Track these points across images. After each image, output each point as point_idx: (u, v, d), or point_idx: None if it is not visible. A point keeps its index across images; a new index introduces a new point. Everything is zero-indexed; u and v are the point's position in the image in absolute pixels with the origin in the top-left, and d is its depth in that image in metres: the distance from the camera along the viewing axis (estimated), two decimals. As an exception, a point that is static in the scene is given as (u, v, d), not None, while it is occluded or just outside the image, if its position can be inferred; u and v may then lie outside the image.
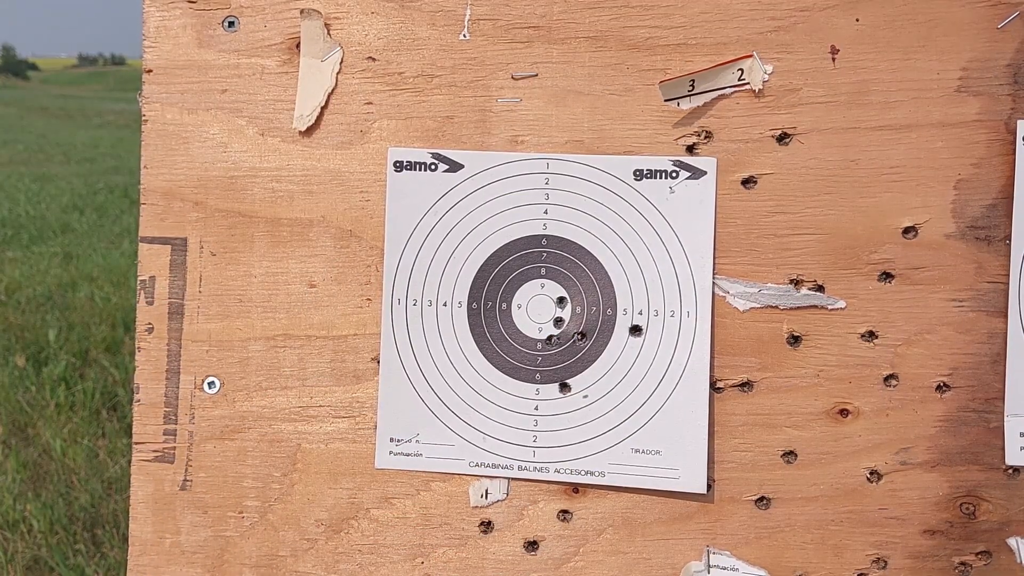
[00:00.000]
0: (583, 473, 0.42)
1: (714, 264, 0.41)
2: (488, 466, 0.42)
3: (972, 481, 0.41)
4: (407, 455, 0.43)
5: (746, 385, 0.41)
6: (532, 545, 0.42)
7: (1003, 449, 0.41)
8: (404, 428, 0.43)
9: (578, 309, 0.42)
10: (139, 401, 0.44)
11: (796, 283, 0.41)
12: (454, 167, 0.43)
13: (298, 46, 0.43)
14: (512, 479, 0.42)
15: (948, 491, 0.41)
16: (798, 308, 0.41)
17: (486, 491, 0.42)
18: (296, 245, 0.44)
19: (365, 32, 0.43)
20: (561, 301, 0.42)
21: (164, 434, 0.44)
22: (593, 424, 0.42)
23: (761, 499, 0.41)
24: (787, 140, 0.41)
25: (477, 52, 0.42)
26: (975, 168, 0.40)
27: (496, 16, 0.42)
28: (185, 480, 0.44)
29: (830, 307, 0.41)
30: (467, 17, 0.42)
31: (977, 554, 0.41)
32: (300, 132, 0.43)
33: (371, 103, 0.43)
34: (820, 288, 0.41)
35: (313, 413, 0.43)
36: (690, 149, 0.41)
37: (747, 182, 0.41)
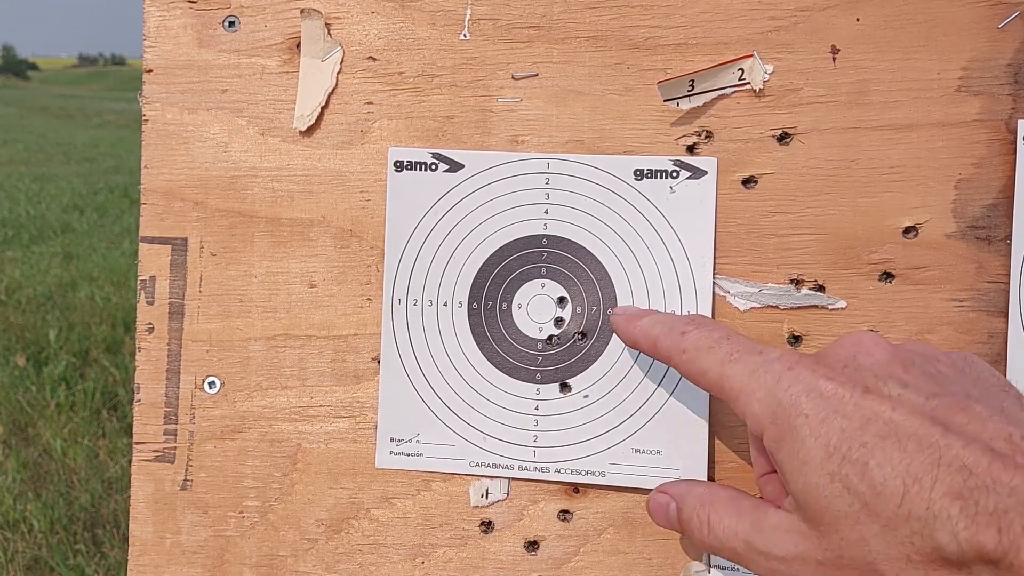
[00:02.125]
0: (583, 473, 0.42)
1: (714, 264, 0.41)
2: (488, 466, 0.42)
3: (972, 481, 0.41)
4: (407, 455, 0.43)
5: (746, 385, 0.41)
6: (532, 545, 0.42)
7: (1003, 449, 0.41)
8: (404, 428, 0.43)
9: (578, 309, 0.42)
10: (139, 401, 0.44)
11: (797, 283, 0.41)
12: (454, 167, 0.43)
13: (298, 46, 0.43)
14: (512, 479, 0.42)
15: (948, 491, 0.41)
16: (799, 308, 0.41)
17: (486, 491, 0.42)
18: (296, 245, 0.44)
19: (365, 32, 0.43)
20: (561, 301, 0.42)
21: (164, 434, 0.44)
22: (593, 424, 0.42)
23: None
24: (787, 140, 0.41)
25: (477, 52, 0.42)
26: (976, 168, 0.40)
27: (496, 16, 0.42)
28: (185, 480, 0.44)
29: (831, 307, 0.41)
30: (467, 17, 0.42)
31: (977, 554, 0.41)
32: (300, 132, 0.43)
33: (371, 103, 0.43)
34: (821, 288, 0.41)
35: (313, 413, 0.43)
36: (690, 149, 0.42)
37: (747, 182, 0.41)
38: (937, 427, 0.29)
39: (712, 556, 0.41)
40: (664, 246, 0.42)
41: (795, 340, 0.41)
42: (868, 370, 0.32)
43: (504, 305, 0.42)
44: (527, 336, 0.42)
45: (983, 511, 0.27)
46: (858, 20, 0.40)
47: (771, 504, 0.34)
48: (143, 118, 0.44)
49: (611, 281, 0.42)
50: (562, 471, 0.42)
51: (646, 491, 0.41)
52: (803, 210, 0.41)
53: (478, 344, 0.43)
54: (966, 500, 0.27)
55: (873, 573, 0.30)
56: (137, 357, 0.44)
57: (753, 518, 0.34)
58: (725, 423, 0.41)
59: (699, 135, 0.41)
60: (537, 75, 0.42)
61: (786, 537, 0.33)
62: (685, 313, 0.41)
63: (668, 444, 0.41)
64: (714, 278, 0.41)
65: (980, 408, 0.30)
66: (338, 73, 0.43)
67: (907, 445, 0.29)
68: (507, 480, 0.42)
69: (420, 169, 0.43)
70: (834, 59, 0.41)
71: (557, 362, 0.42)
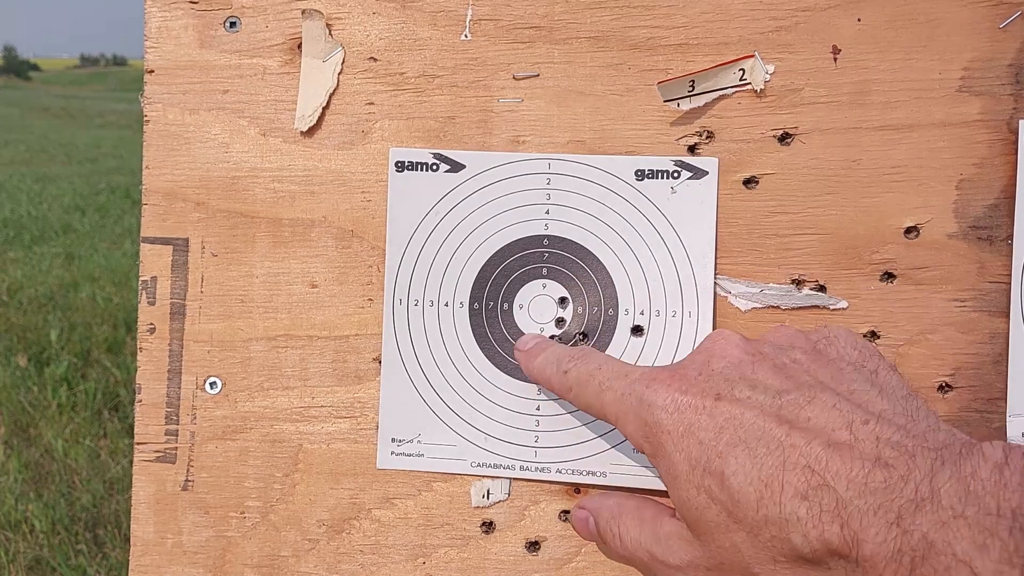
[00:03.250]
0: (584, 473, 0.42)
1: (716, 264, 0.41)
2: (490, 466, 0.42)
3: (974, 481, 0.41)
4: (408, 455, 0.43)
5: (748, 385, 0.41)
6: (534, 545, 0.42)
7: (1005, 449, 0.41)
8: (406, 428, 0.43)
9: (580, 309, 0.42)
10: (141, 401, 0.44)
11: (798, 283, 0.41)
12: (456, 167, 0.43)
13: (299, 46, 0.43)
14: (514, 479, 0.42)
15: (950, 491, 0.41)
16: (800, 308, 0.41)
17: (487, 491, 0.42)
18: (298, 245, 0.44)
19: (367, 32, 0.43)
20: (563, 301, 0.42)
21: (166, 434, 0.44)
22: (595, 424, 0.42)
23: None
24: (789, 140, 0.41)
25: (478, 52, 0.42)
26: (977, 168, 0.40)
27: (497, 16, 0.42)
28: (187, 480, 0.44)
29: (832, 307, 0.41)
30: (468, 17, 0.43)
31: (979, 554, 0.41)
32: (301, 132, 0.43)
33: (372, 103, 0.43)
34: (822, 288, 0.41)
35: (315, 413, 0.43)
36: (692, 149, 0.42)
37: (749, 182, 0.41)
38: (783, 426, 0.30)
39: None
40: (665, 246, 0.42)
41: (796, 340, 0.41)
42: (720, 374, 0.33)
43: (505, 305, 0.42)
44: (528, 336, 0.42)
45: (826, 509, 0.28)
46: (859, 20, 0.40)
47: (668, 512, 0.35)
48: (144, 119, 0.44)
49: (612, 281, 0.42)
50: (563, 471, 0.42)
51: (647, 491, 0.41)
52: (804, 210, 0.41)
53: (479, 344, 0.43)
54: (811, 500, 0.28)
55: None
56: (138, 357, 0.44)
57: (652, 528, 0.35)
58: (726, 423, 0.41)
59: (700, 135, 0.41)
60: (538, 75, 0.42)
61: (678, 545, 0.33)
62: (686, 313, 0.41)
63: (669, 444, 0.41)
64: (715, 278, 0.41)
65: (826, 397, 0.31)
66: (339, 74, 0.43)
67: (757, 449, 0.30)
68: (508, 480, 0.42)
69: (421, 169, 0.43)
70: (835, 59, 0.41)
71: (558, 362, 0.42)
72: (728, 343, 0.34)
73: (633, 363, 0.41)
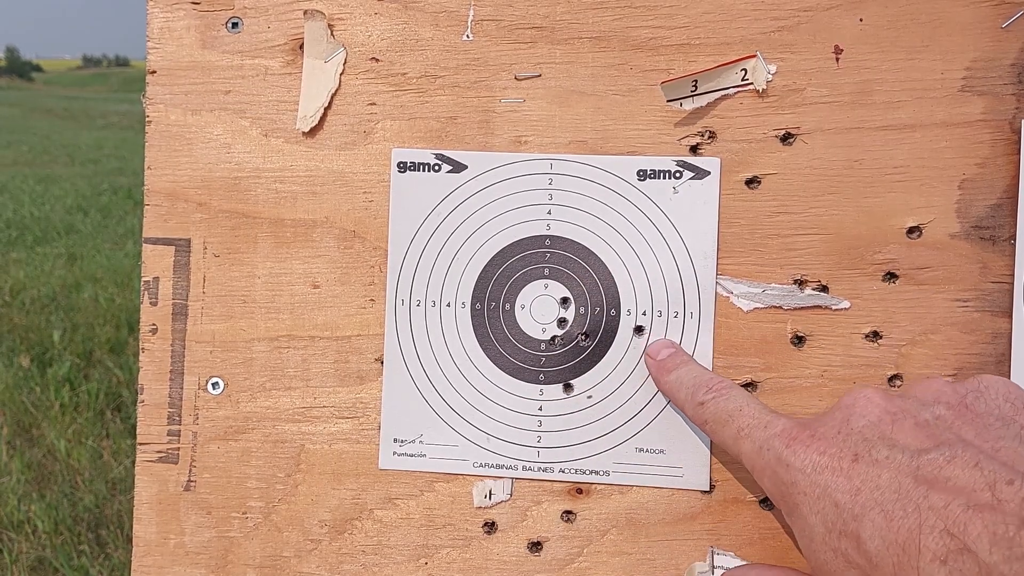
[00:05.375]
0: (587, 472, 0.42)
1: (718, 264, 0.41)
2: (492, 467, 0.42)
3: (977, 481, 0.41)
4: (411, 456, 0.43)
5: (750, 385, 0.41)
6: (536, 546, 0.42)
7: (1008, 449, 0.40)
8: (408, 429, 0.43)
9: (581, 310, 0.42)
10: (143, 402, 0.44)
11: (800, 283, 0.41)
12: (457, 168, 0.43)
13: (301, 47, 0.43)
14: (516, 479, 0.42)
15: (953, 492, 0.41)
16: (802, 308, 0.41)
17: (490, 492, 0.42)
18: (299, 246, 0.44)
19: (368, 33, 0.43)
20: (564, 302, 0.42)
21: (168, 435, 0.44)
22: (597, 424, 0.42)
23: (765, 499, 0.41)
24: (791, 140, 0.41)
25: (480, 53, 0.43)
26: (979, 168, 0.40)
27: (499, 17, 0.42)
28: (189, 481, 0.44)
29: (834, 307, 0.41)
30: (470, 18, 0.43)
31: (982, 555, 0.41)
32: (303, 133, 0.43)
33: (374, 104, 0.43)
34: (824, 288, 0.41)
35: (317, 414, 0.44)
36: (694, 149, 0.41)
37: (751, 182, 0.41)
38: (921, 487, 0.29)
39: (716, 556, 0.41)
40: (667, 246, 0.41)
41: (799, 340, 0.41)
42: (858, 434, 0.33)
43: (507, 306, 0.42)
44: (530, 337, 0.42)
45: (967, 574, 0.27)
46: (861, 20, 0.40)
47: None
48: (147, 119, 0.44)
49: (614, 281, 0.42)
50: (566, 471, 0.42)
51: (650, 492, 0.41)
52: (807, 210, 0.41)
53: (481, 345, 0.43)
54: (950, 565, 0.28)
55: None
56: (141, 358, 0.44)
57: None
58: (728, 424, 0.41)
59: (702, 135, 0.41)
60: (540, 76, 0.42)
61: None
62: (688, 314, 0.41)
63: (671, 443, 0.41)
64: (717, 278, 0.41)
65: (968, 455, 0.30)
66: (341, 74, 0.43)
67: (893, 512, 0.30)
68: (510, 480, 0.42)
69: (423, 170, 0.43)
70: (837, 59, 0.41)
71: (560, 363, 0.42)
72: (869, 401, 0.34)
73: (635, 362, 0.41)
